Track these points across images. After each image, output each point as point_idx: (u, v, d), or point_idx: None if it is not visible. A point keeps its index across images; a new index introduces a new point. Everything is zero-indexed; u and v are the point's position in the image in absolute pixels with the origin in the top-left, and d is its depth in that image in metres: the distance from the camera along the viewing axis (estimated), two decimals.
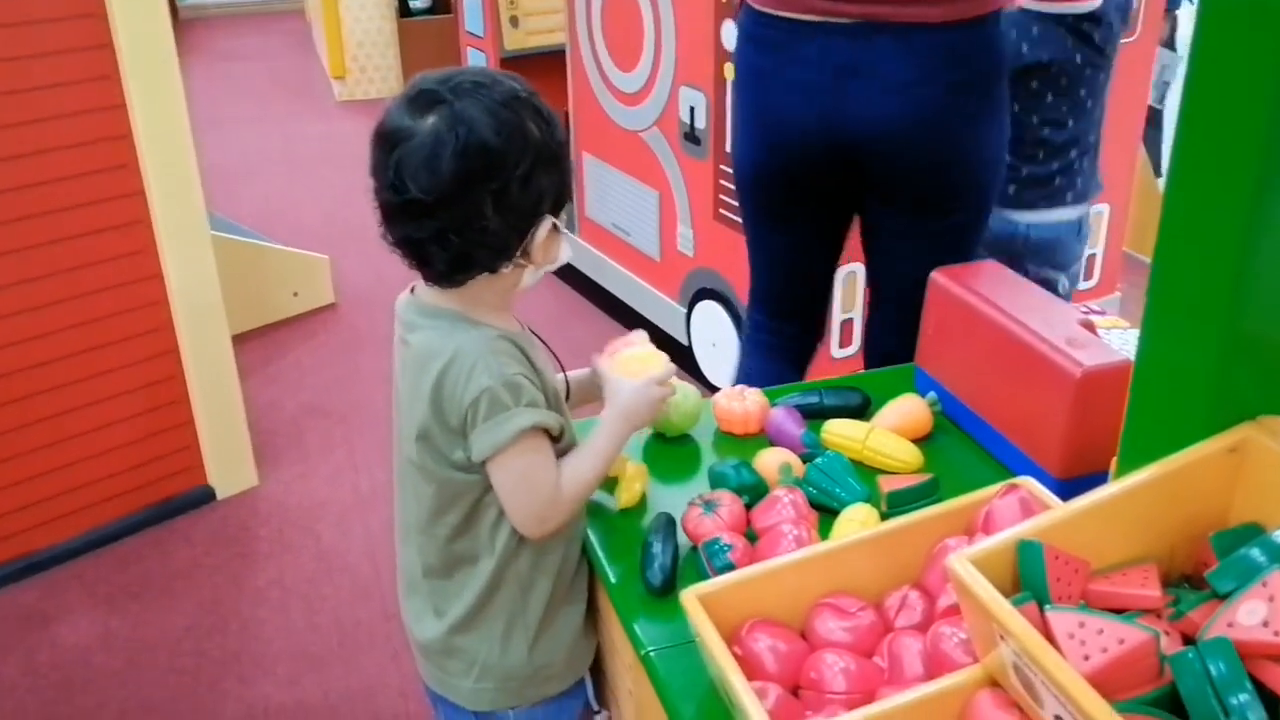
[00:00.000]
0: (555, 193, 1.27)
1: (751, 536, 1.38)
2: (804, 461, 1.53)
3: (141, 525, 2.74)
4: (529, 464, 1.29)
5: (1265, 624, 0.88)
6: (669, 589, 1.33)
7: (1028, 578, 0.96)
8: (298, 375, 3.48)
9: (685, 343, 3.26)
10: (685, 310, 3.27)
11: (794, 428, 1.61)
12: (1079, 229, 2.43)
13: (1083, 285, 3.34)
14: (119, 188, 2.48)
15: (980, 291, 1.61)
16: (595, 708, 1.54)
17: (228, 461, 2.87)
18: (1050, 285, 2.37)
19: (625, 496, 1.50)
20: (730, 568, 1.29)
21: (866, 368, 2.12)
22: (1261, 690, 0.85)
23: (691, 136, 3.05)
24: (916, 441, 1.60)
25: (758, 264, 2.14)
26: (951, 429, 1.65)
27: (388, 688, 2.23)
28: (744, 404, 1.67)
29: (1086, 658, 0.88)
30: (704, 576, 1.28)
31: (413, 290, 1.37)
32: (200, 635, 2.43)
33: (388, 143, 1.21)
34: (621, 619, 1.34)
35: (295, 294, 3.86)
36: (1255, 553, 0.93)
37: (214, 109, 5.80)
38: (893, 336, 1.95)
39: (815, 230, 2.03)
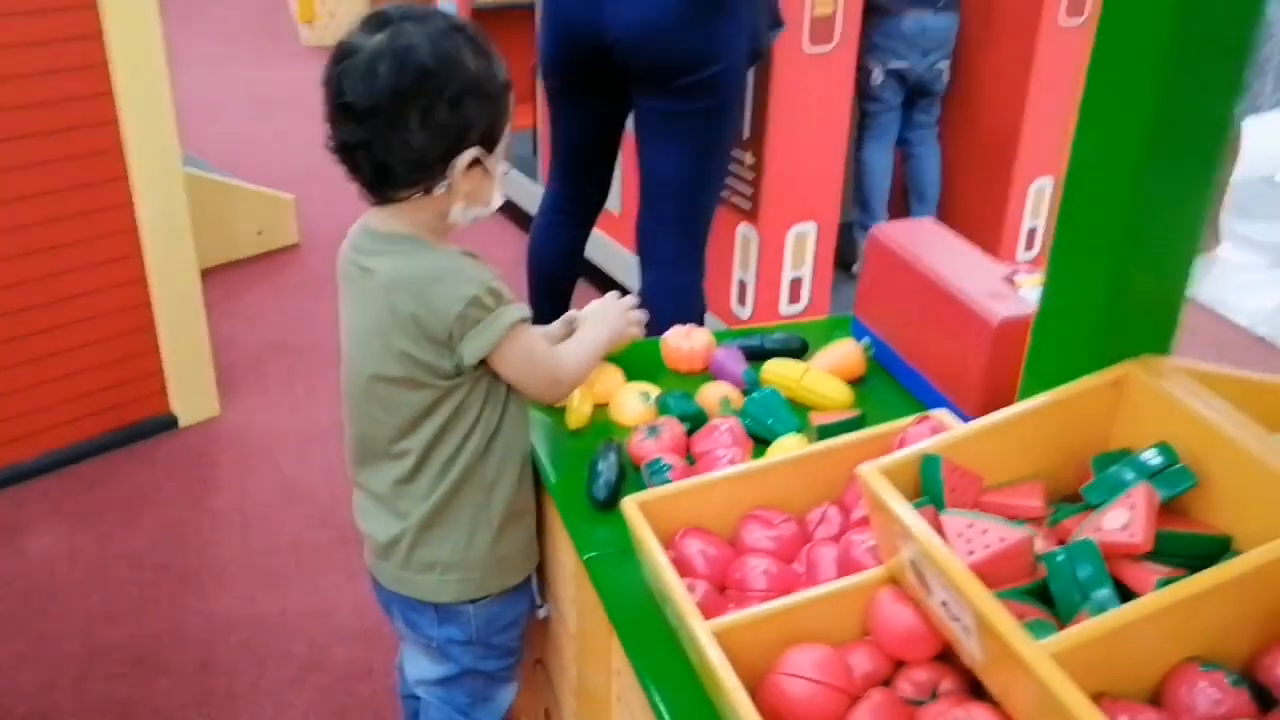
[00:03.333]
0: (484, 127, 1.37)
1: (691, 461, 1.50)
2: (743, 396, 1.65)
3: (105, 448, 2.83)
4: (526, 346, 1.43)
5: (1125, 528, 1.01)
6: (612, 503, 1.45)
7: (927, 486, 1.09)
8: (259, 311, 3.56)
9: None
10: None
11: (736, 365, 1.73)
12: None
13: (1025, 256, 3.50)
14: (93, 116, 2.54)
15: (913, 247, 1.73)
16: (539, 602, 1.66)
17: (191, 390, 2.95)
18: None
19: (574, 419, 1.61)
20: (666, 481, 1.41)
21: (643, 272, 2.47)
22: (1120, 587, 0.99)
23: None
24: (849, 383, 1.72)
25: (556, 140, 2.59)
26: (882, 373, 1.78)
27: (342, 607, 2.34)
28: (690, 343, 1.78)
29: (971, 553, 1.01)
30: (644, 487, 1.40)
31: (364, 224, 1.46)
32: (162, 552, 2.52)
33: (338, 55, 1.33)
34: (568, 528, 1.46)
35: (259, 232, 3.93)
36: (1124, 471, 1.07)
37: (183, 49, 5.77)
38: (662, 239, 2.46)
39: (595, 107, 2.48)
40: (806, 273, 2.96)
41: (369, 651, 2.23)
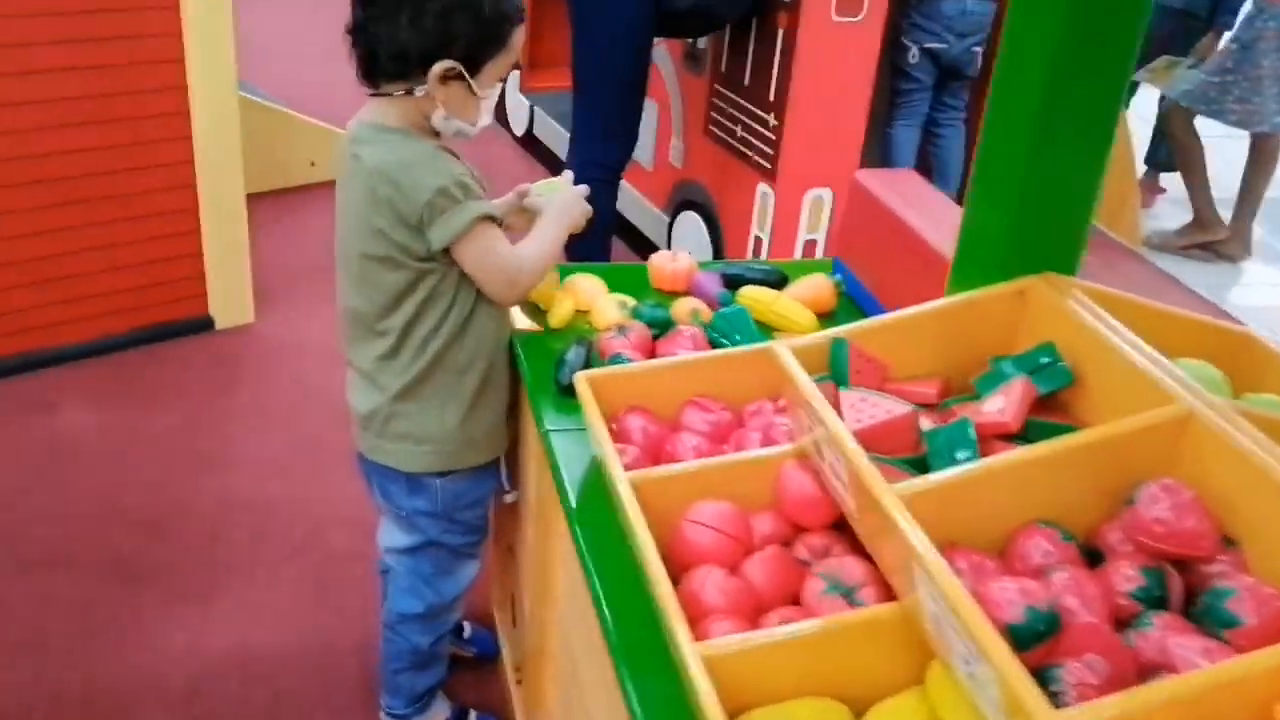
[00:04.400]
0: (470, 44, 1.50)
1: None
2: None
3: (143, 341, 3.01)
4: (488, 243, 1.55)
5: (1000, 411, 1.12)
6: (575, 391, 1.58)
7: (833, 366, 1.21)
8: (303, 236, 3.73)
9: (664, 248, 3.50)
10: (669, 219, 3.50)
11: (713, 287, 1.85)
12: None
13: None
14: (156, 27, 2.72)
15: (889, 192, 1.84)
16: (506, 487, 1.80)
17: (229, 296, 3.13)
18: None
19: (555, 318, 1.75)
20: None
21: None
22: None
23: (693, 56, 3.27)
24: (820, 316, 1.83)
25: (638, 107, 2.98)
26: (852, 309, 1.89)
27: (344, 499, 2.49)
28: (674, 265, 1.91)
29: (859, 421, 1.13)
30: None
31: (360, 116, 1.60)
32: (183, 436, 2.70)
33: None
34: (534, 409, 1.60)
35: (312, 163, 4.10)
36: (1010, 366, 1.18)
37: None
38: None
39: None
40: (820, 236, 3.06)
41: (363, 539, 2.37)
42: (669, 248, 3.50)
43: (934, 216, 1.77)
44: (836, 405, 1.15)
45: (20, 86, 2.60)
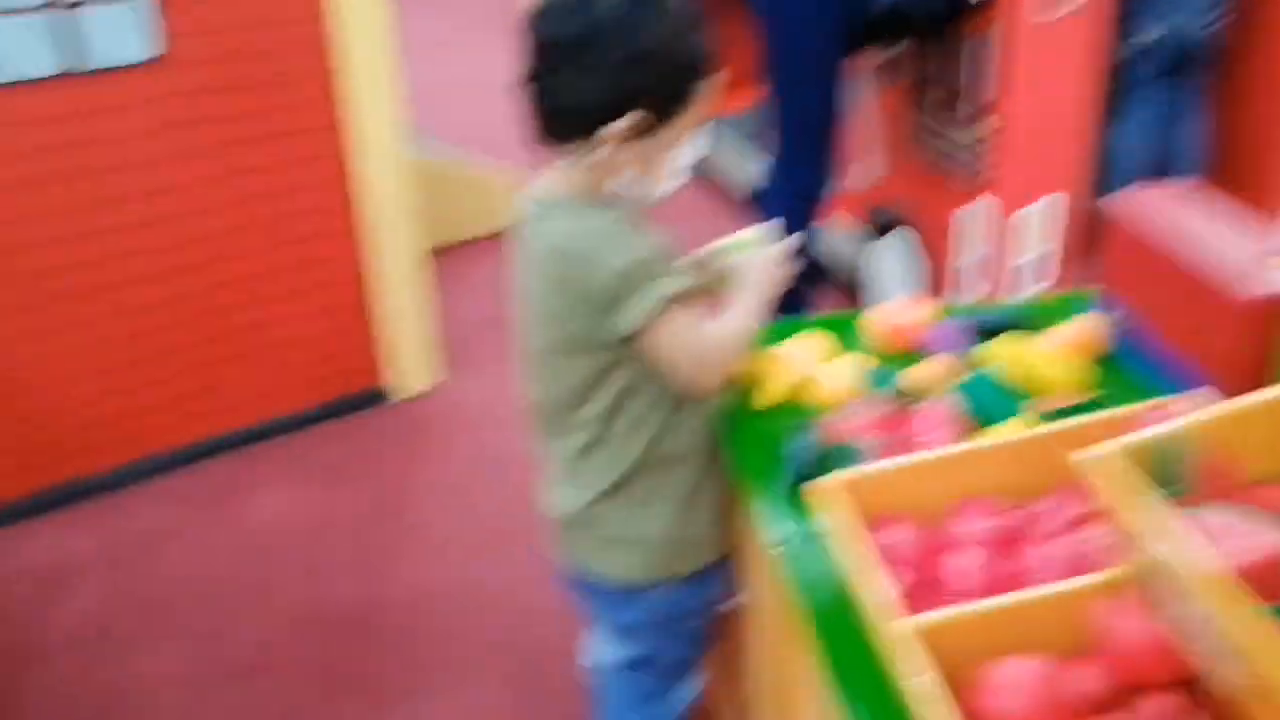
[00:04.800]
0: (660, 97, 1.28)
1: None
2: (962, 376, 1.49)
3: (322, 417, 2.90)
4: (677, 327, 1.32)
5: None
6: (808, 487, 1.33)
7: (1169, 476, 0.92)
8: (488, 287, 3.57)
9: (860, 283, 3.19)
10: (863, 248, 3.20)
11: (956, 341, 1.57)
12: None
13: None
14: (314, 92, 2.58)
15: (1160, 215, 1.53)
16: (729, 590, 1.56)
17: (406, 363, 2.99)
18: None
19: (768, 393, 1.50)
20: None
21: None
22: None
23: (888, 67, 2.98)
24: (1090, 363, 1.53)
25: (838, 127, 2.71)
26: (1131, 354, 1.57)
27: (542, 583, 2.30)
28: (908, 317, 1.63)
29: (1231, 558, 0.84)
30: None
31: (531, 190, 1.41)
32: (374, 518, 2.56)
33: None
34: (759, 512, 1.35)
35: (488, 212, 3.96)
36: None
37: (420, 33, 5.97)
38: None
39: None
40: (1050, 250, 2.72)
41: (563, 631, 2.18)
42: (865, 282, 3.20)
43: (1214, 238, 1.45)
44: (1189, 533, 0.87)
45: (174, 170, 2.51)
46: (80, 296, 2.49)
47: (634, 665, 1.57)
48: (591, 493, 1.45)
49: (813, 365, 1.54)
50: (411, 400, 3.01)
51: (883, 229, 3.11)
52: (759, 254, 1.48)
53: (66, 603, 2.35)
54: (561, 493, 1.50)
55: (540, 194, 1.39)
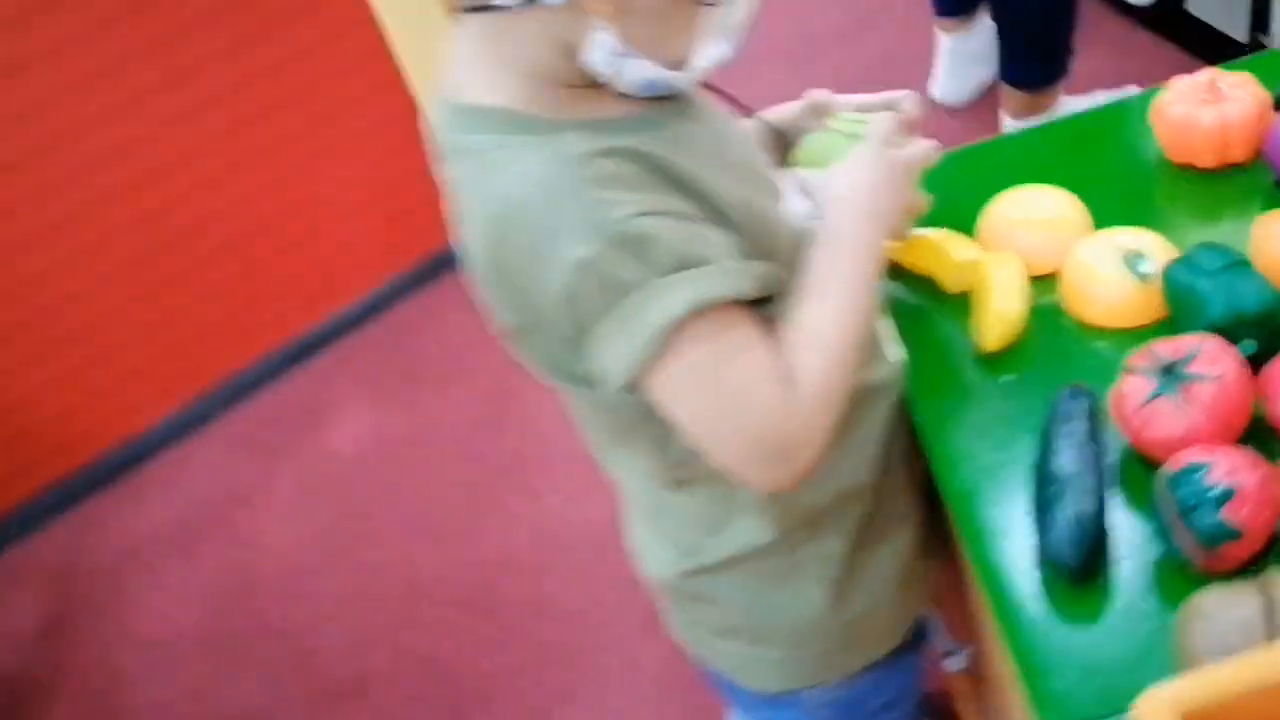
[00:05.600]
0: None
1: (1273, 452, 0.66)
2: None
3: (399, 293, 2.30)
4: (705, 367, 0.66)
5: None
6: (1091, 568, 0.66)
7: None
8: None
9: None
10: None
11: None
12: None
13: None
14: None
15: None
16: (949, 650, 0.94)
17: None
18: None
19: (988, 337, 0.80)
20: (1230, 538, 0.60)
21: None
22: None
23: None
24: None
25: None
26: None
27: None
28: (1217, 108, 0.86)
29: None
30: (1165, 545, 0.62)
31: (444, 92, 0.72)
32: (475, 434, 1.98)
33: None
34: (997, 610, 0.70)
35: None
36: None
37: None
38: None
39: None
40: None
41: None
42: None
43: None
44: None
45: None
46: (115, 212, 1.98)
47: None
48: (692, 557, 0.83)
49: (1074, 245, 0.82)
50: None
51: None
52: (862, 149, 0.77)
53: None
54: (645, 542, 0.89)
55: (456, 94, 0.70)
